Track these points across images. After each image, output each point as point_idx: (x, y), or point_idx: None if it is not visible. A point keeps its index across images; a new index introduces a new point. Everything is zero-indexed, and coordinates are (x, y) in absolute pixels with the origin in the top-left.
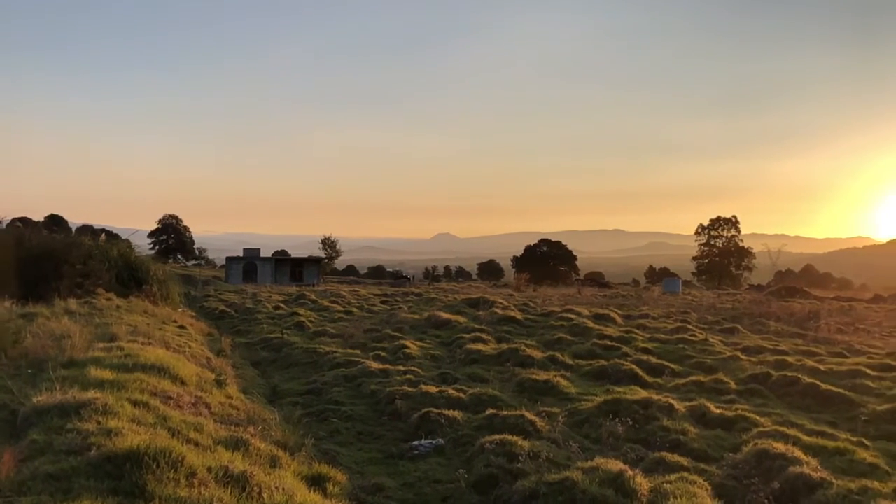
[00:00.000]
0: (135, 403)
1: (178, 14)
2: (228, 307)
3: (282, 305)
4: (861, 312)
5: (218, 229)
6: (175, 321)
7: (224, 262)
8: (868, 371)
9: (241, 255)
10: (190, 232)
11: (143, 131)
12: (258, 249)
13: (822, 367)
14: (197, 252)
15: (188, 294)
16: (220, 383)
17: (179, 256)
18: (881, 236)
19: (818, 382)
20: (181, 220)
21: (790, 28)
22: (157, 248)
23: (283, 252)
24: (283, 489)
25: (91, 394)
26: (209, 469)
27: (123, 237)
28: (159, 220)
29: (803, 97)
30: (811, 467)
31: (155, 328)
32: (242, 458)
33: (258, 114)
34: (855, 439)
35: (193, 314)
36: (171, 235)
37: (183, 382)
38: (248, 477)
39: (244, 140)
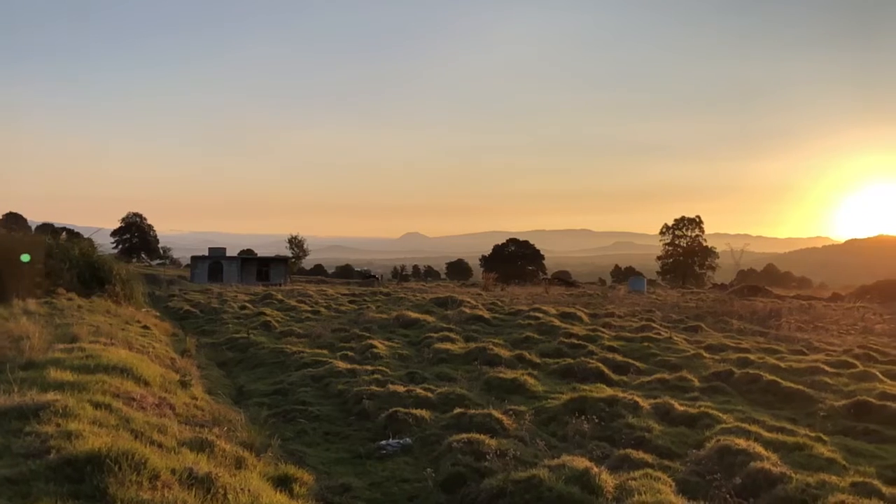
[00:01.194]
0: (96, 405)
1: (144, 10)
2: (194, 307)
3: (248, 305)
4: (820, 311)
5: (183, 228)
6: (139, 321)
7: (189, 262)
8: (826, 368)
9: (206, 254)
10: (154, 231)
11: (106, 128)
12: (224, 248)
13: (782, 365)
14: (161, 251)
15: (152, 294)
16: (184, 384)
17: (143, 255)
18: (840, 236)
19: (779, 379)
20: (145, 219)
21: (760, 32)
22: (120, 247)
23: (250, 251)
24: (249, 490)
25: (50, 396)
26: (173, 471)
27: (85, 236)
28: (123, 219)
29: (770, 101)
30: (771, 462)
31: (118, 328)
32: (207, 459)
33: (225, 112)
34: (813, 435)
35: (158, 314)
36: (135, 234)
37: (146, 383)
38: (213, 479)
39: (210, 138)
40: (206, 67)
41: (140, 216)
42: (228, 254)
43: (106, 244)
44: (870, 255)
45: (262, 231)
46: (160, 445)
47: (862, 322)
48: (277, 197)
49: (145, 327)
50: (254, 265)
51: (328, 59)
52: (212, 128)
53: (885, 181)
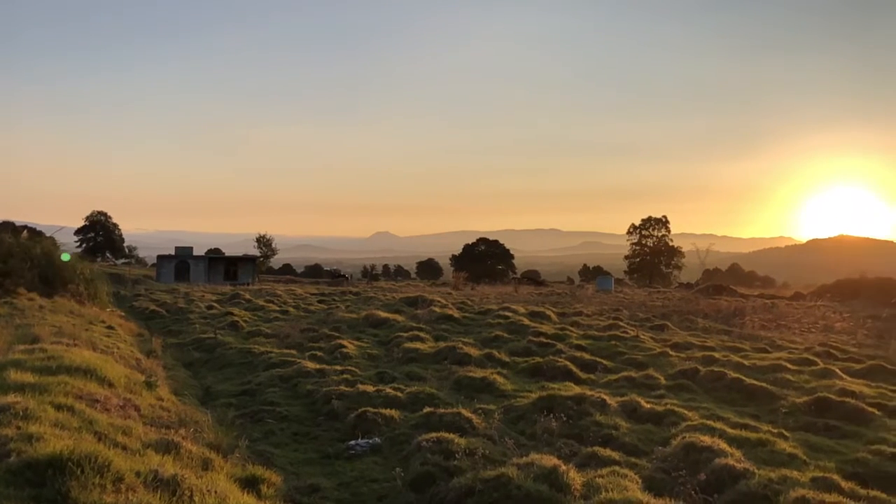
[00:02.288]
0: (58, 407)
1: (114, 5)
2: (160, 307)
3: (215, 305)
4: (783, 309)
5: (149, 227)
6: (103, 321)
7: (155, 261)
8: (788, 365)
9: (173, 253)
10: (119, 229)
11: (70, 124)
12: (191, 248)
13: (746, 363)
14: (127, 250)
15: (117, 293)
16: (150, 385)
17: (108, 255)
18: (802, 237)
19: (743, 377)
20: (110, 218)
21: (729, 36)
22: (84, 245)
23: (217, 250)
24: (216, 492)
25: (10, 398)
26: (137, 474)
27: (48, 234)
28: (87, 217)
29: (739, 104)
30: (735, 458)
31: (81, 329)
32: (173, 461)
33: (193, 109)
34: (776, 431)
35: (123, 314)
36: (100, 233)
37: (111, 385)
38: (179, 481)
39: (177, 136)
40: (174, 63)
41: (105, 214)
42: (195, 253)
43: (69, 243)
44: (830, 255)
45: (230, 230)
46: (125, 447)
47: (823, 320)
48: (245, 195)
49: (110, 327)
50: (221, 264)
51: (299, 56)
52: (179, 125)
53: (846, 183)
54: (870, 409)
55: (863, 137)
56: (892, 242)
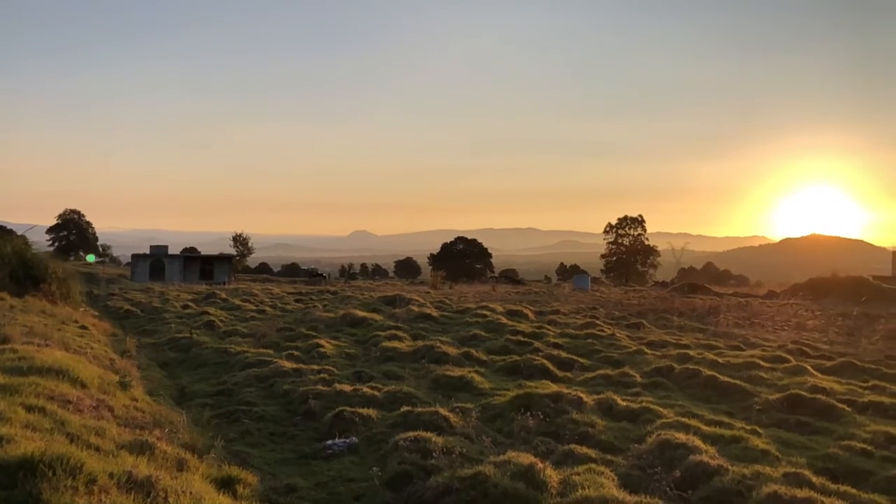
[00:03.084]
0: (29, 408)
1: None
2: (134, 306)
3: (191, 304)
4: (756, 307)
5: (123, 225)
6: (76, 321)
7: (130, 260)
8: (762, 363)
9: (147, 252)
10: (93, 228)
11: (43, 120)
12: (166, 246)
13: (720, 360)
14: (101, 249)
15: (91, 293)
16: (124, 385)
17: (81, 253)
18: (775, 236)
19: (717, 374)
20: (83, 216)
21: (706, 37)
22: (56, 244)
23: (193, 249)
24: (191, 493)
25: None
26: (111, 475)
27: (19, 233)
28: (59, 216)
29: (716, 104)
30: (709, 455)
31: (53, 329)
32: (147, 462)
33: (167, 106)
34: (749, 427)
35: (96, 314)
36: (73, 231)
37: (84, 385)
38: (154, 482)
39: (152, 133)
40: (147, 60)
41: (78, 213)
42: (171, 252)
43: (41, 241)
44: (803, 254)
45: (206, 229)
46: (98, 449)
47: (795, 318)
48: (222, 194)
49: (83, 327)
50: (197, 263)
51: (275, 53)
52: (154, 122)
53: (819, 184)
54: (840, 405)
55: (835, 140)
56: (862, 242)
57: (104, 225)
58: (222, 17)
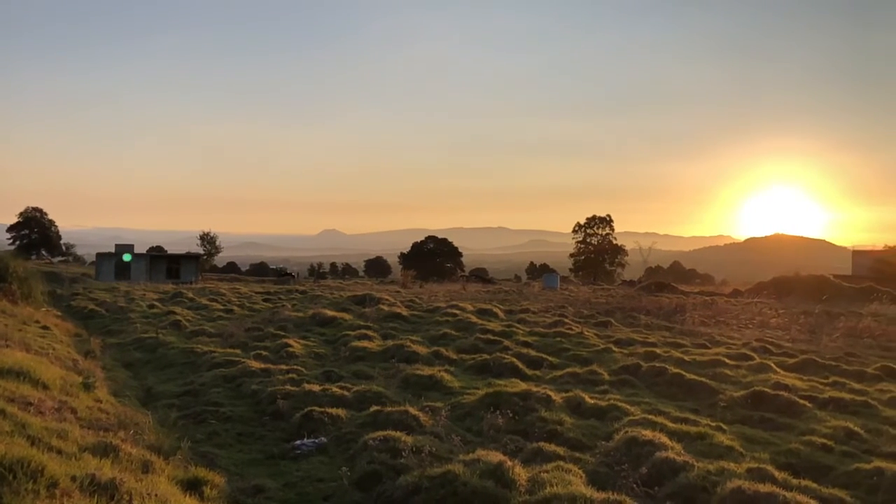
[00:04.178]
0: None
1: None
2: (99, 306)
3: (157, 304)
4: (721, 306)
5: (87, 224)
6: (38, 321)
7: (94, 259)
8: (727, 360)
9: (112, 251)
10: (56, 226)
11: (2, 116)
12: (132, 245)
13: (686, 358)
14: (64, 248)
15: (53, 292)
16: (87, 386)
17: (44, 252)
18: (740, 235)
19: (683, 372)
20: (46, 214)
21: (675, 37)
22: (17, 243)
23: (159, 248)
24: (156, 495)
25: None
26: (73, 478)
27: None
28: (21, 214)
29: (686, 106)
30: (675, 452)
31: (14, 329)
32: (111, 464)
33: (132, 102)
34: (714, 424)
35: (59, 314)
36: (35, 230)
37: (45, 387)
38: (118, 484)
39: (119, 130)
40: (111, 54)
41: (40, 211)
42: (136, 250)
43: (1, 240)
44: (767, 253)
45: (173, 227)
46: (60, 451)
47: (759, 316)
48: (189, 192)
49: (45, 328)
50: (163, 263)
51: (246, 53)
52: (118, 119)
53: (783, 186)
54: (802, 401)
55: (796, 144)
56: (824, 241)
57: (67, 223)
58: (195, 18)
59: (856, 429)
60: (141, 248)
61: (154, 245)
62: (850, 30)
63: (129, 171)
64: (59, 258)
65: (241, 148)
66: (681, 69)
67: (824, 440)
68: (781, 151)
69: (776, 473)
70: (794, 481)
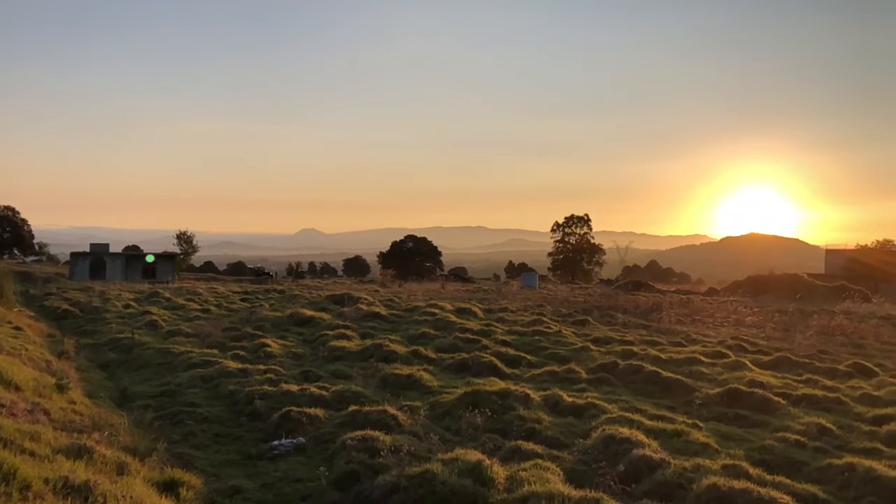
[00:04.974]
0: None
1: None
2: (73, 306)
3: (133, 304)
4: (697, 304)
5: (61, 223)
6: (10, 322)
7: (69, 259)
8: (702, 358)
9: (87, 250)
10: (29, 225)
11: None
12: (107, 244)
13: (663, 356)
14: (37, 247)
15: (26, 292)
16: (61, 388)
17: (16, 252)
18: (716, 234)
19: (660, 370)
20: (18, 213)
21: (656, 38)
22: None
23: (135, 247)
24: (131, 497)
25: None
26: (46, 481)
27: None
28: None
29: (665, 107)
30: (652, 449)
31: None
32: (86, 466)
33: (108, 100)
34: (690, 421)
35: (32, 314)
36: (6, 229)
37: (17, 388)
38: (92, 487)
39: (93, 127)
40: (87, 51)
41: (12, 209)
42: (112, 250)
43: None
44: (742, 252)
45: (149, 226)
46: (33, 454)
47: (734, 315)
48: (165, 191)
49: (17, 328)
50: (139, 262)
51: (221, 48)
52: (94, 116)
53: (758, 186)
54: (776, 398)
55: (769, 145)
56: (798, 240)
57: (41, 222)
58: (169, 14)
59: (828, 425)
60: (116, 248)
61: (130, 244)
62: (821, 32)
63: (103, 169)
64: (32, 258)
65: (219, 147)
66: (661, 70)
67: (797, 436)
68: (757, 152)
69: (751, 470)
70: (768, 477)
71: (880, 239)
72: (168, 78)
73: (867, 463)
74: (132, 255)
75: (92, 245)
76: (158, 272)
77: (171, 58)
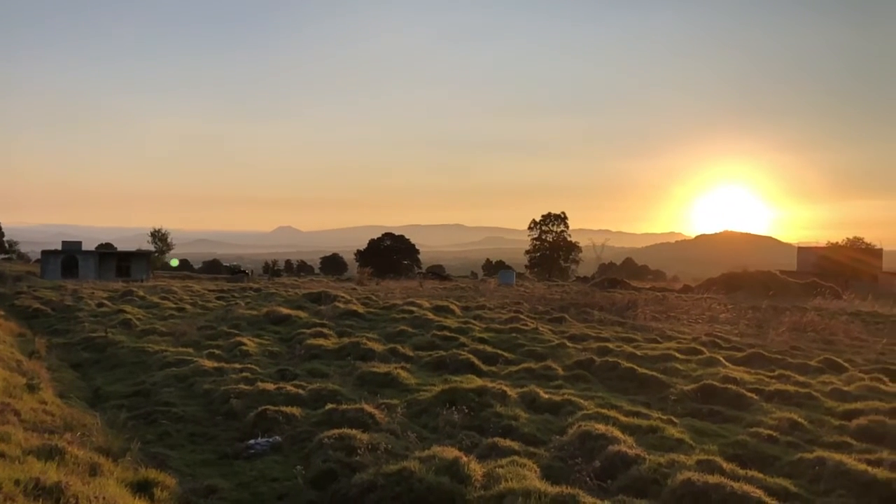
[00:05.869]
0: None
1: None
2: (44, 305)
3: (106, 302)
4: (672, 301)
5: (32, 220)
6: None
7: (40, 257)
8: (677, 355)
9: (59, 248)
10: None
11: None
12: (79, 242)
13: (638, 353)
14: (7, 245)
15: None
16: (32, 388)
17: None
18: (691, 232)
19: (635, 366)
20: None
21: (635, 37)
22: None
23: (108, 245)
24: (104, 498)
25: None
26: (17, 482)
27: None
28: None
29: (643, 106)
30: (628, 445)
31: None
32: (57, 467)
33: (80, 94)
34: (665, 417)
35: (2, 313)
36: None
37: None
38: (63, 488)
39: (64, 123)
40: (55, 46)
41: None
42: (85, 248)
43: None
44: (717, 249)
45: (123, 224)
46: (3, 455)
47: (709, 311)
48: (139, 188)
49: None
50: (113, 260)
51: (197, 47)
52: (65, 111)
53: (731, 184)
54: (749, 394)
55: (746, 145)
56: (771, 238)
57: (10, 219)
58: (142, 11)
59: (800, 420)
60: (89, 246)
61: (103, 242)
62: (794, 34)
63: (75, 166)
64: (2, 256)
65: (194, 144)
66: (639, 70)
67: (770, 431)
68: (732, 153)
69: (724, 465)
70: (742, 472)
71: (850, 237)
72: (142, 75)
73: (837, 457)
74: (105, 252)
75: (64, 243)
76: (133, 270)
77: (146, 55)
